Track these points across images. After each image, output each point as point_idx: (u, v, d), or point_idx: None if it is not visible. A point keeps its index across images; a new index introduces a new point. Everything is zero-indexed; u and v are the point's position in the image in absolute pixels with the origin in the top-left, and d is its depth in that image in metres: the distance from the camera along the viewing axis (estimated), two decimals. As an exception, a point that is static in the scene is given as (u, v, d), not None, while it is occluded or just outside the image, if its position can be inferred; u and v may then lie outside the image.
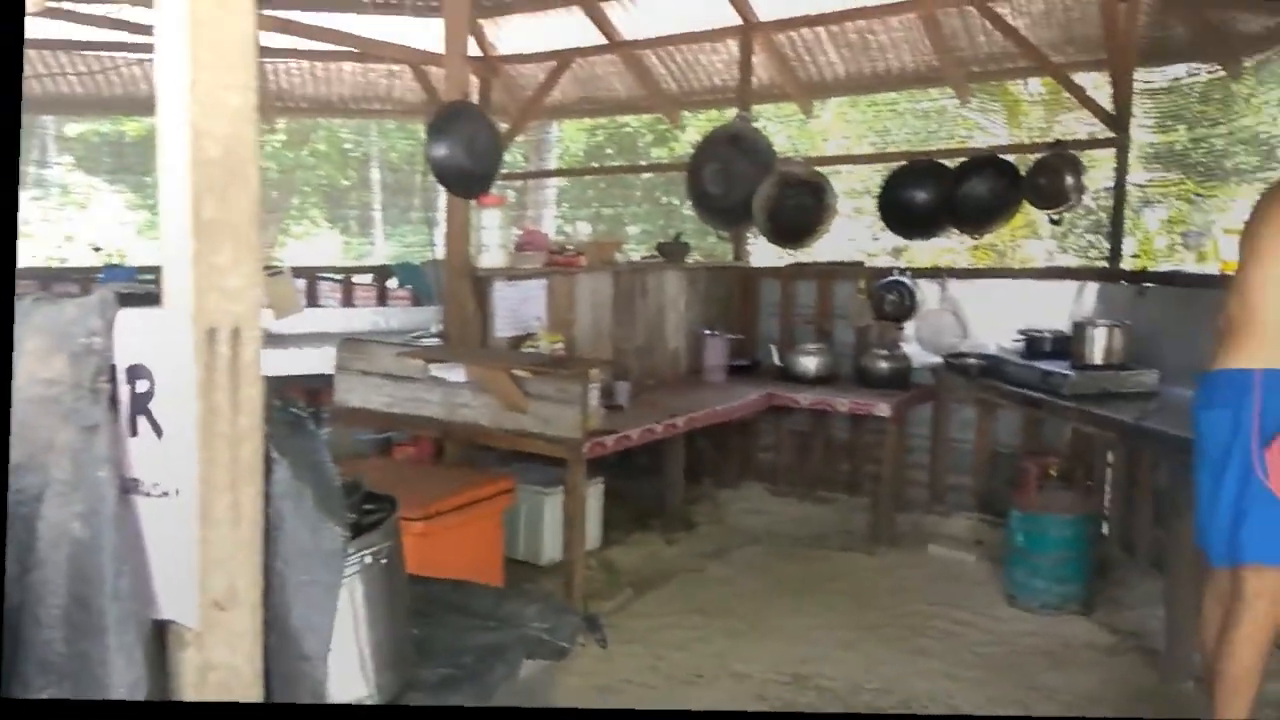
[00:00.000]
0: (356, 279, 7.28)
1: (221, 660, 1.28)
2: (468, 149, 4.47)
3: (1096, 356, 4.31)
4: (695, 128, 8.26)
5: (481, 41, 6.96)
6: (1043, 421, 5.03)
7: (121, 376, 1.27)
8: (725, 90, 6.75)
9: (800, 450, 5.93)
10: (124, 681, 1.24)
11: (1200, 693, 3.10)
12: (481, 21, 6.83)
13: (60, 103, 7.44)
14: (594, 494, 4.76)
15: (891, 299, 5.53)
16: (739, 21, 6.15)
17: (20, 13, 1.22)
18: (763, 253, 6.55)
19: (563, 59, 6.98)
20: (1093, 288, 5.09)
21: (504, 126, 6.57)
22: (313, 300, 6.80)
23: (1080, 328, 4.44)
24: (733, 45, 6.39)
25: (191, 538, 1.23)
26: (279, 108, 7.63)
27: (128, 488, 1.27)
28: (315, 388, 5.24)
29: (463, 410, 4.11)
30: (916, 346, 5.49)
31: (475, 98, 6.37)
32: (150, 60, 5.77)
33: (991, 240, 7.92)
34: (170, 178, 1.21)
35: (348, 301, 6.93)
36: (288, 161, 12.35)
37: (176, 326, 1.21)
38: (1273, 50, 5.02)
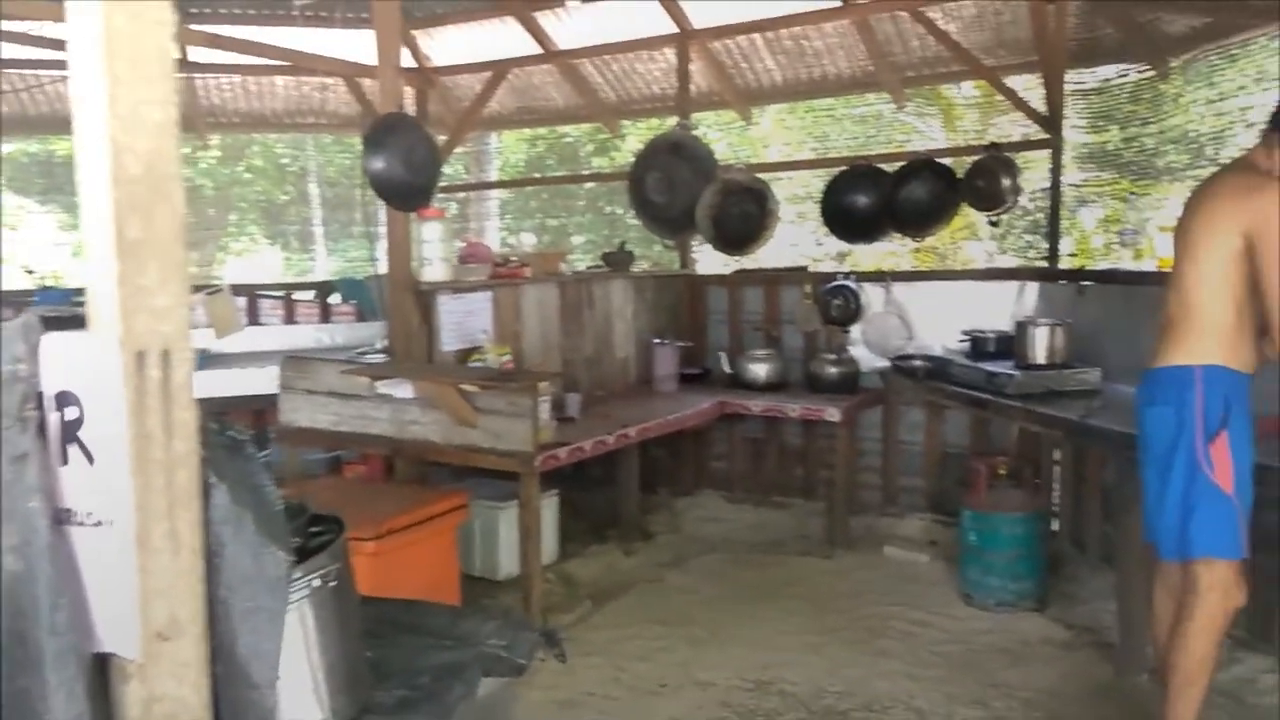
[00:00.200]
0: (298, 295, 7.15)
1: (167, 692, 1.24)
2: (405, 161, 4.42)
3: (1039, 356, 4.35)
4: (635, 136, 8.25)
5: (416, 52, 6.90)
6: (989, 421, 5.09)
7: (49, 404, 1.22)
8: (664, 98, 6.78)
9: (754, 457, 5.95)
10: (65, 718, 1.20)
11: (1155, 685, 3.14)
12: (415, 32, 6.77)
13: (-16, 123, 7.21)
14: (549, 507, 4.72)
15: (837, 303, 5.57)
16: (675, 30, 6.15)
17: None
18: (709, 260, 6.57)
19: (499, 69, 6.95)
20: (1033, 287, 5.16)
21: (442, 138, 6.49)
22: (254, 318, 6.68)
23: (1022, 327, 4.47)
24: (670, 53, 6.41)
25: (130, 567, 1.19)
26: (212, 123, 7.51)
27: (61, 518, 1.23)
28: (260, 408, 5.14)
29: (412, 427, 4.05)
30: (864, 350, 5.53)
31: (411, 109, 6.30)
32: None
33: (933, 243, 8.02)
34: (92, 197, 1.16)
35: (290, 319, 6.80)
36: (223, 178, 12.12)
37: (104, 350, 1.16)
38: (1198, 50, 5.15)
